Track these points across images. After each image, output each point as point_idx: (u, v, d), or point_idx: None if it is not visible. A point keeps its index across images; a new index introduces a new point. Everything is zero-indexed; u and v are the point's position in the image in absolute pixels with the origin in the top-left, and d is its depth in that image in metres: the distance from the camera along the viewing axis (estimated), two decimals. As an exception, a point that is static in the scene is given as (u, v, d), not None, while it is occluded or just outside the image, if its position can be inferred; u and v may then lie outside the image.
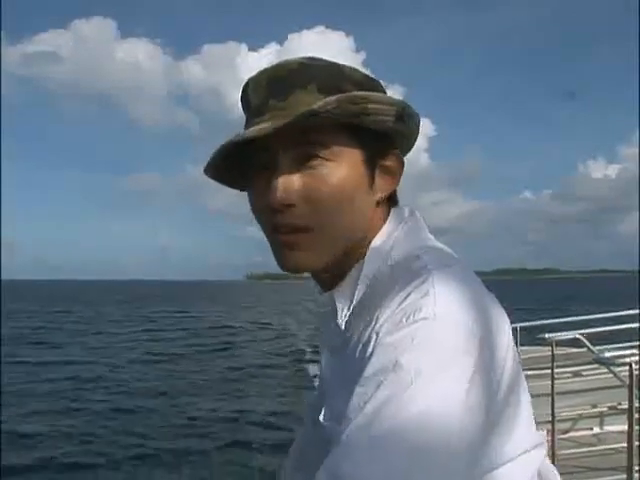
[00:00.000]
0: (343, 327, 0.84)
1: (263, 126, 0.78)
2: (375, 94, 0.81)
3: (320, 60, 0.85)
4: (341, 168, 0.81)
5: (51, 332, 32.56)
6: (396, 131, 0.85)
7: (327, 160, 0.80)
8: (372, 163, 0.84)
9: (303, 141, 0.80)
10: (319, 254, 0.83)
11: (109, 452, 10.25)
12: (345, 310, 0.84)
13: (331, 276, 0.88)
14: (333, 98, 0.77)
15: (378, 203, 0.87)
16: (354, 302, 0.84)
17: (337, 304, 0.85)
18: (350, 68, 0.86)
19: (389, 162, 0.86)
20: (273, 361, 21.59)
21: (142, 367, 20.48)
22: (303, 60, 0.84)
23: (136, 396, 15.13)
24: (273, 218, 0.82)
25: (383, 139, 0.85)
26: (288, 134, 0.79)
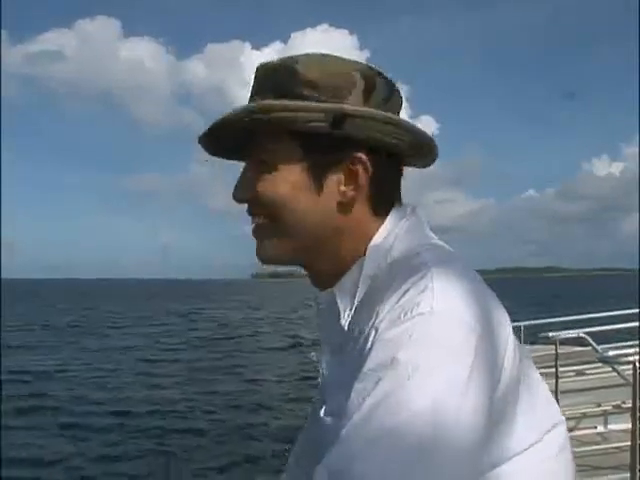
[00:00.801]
0: (346, 328, 0.84)
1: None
2: (290, 103, 0.81)
3: (288, 60, 0.86)
4: (278, 174, 0.85)
5: (103, 324, 37.37)
6: (345, 136, 0.83)
7: (270, 165, 0.85)
8: (318, 168, 0.85)
9: (254, 145, 0.86)
10: (279, 246, 0.88)
11: (211, 403, 14.55)
12: (348, 311, 0.84)
13: (323, 277, 0.90)
14: (241, 108, 0.83)
15: (344, 205, 0.86)
16: (356, 302, 0.84)
17: (339, 303, 0.86)
18: (312, 65, 0.85)
19: (351, 166, 0.85)
20: (293, 343, 26.83)
21: (195, 349, 25.55)
22: (272, 62, 0.88)
23: (201, 369, 19.88)
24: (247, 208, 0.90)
25: (335, 144, 0.84)
26: (249, 139, 0.86)
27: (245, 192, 0.87)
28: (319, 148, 0.84)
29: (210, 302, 70.25)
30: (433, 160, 0.96)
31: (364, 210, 0.87)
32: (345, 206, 0.86)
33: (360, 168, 0.85)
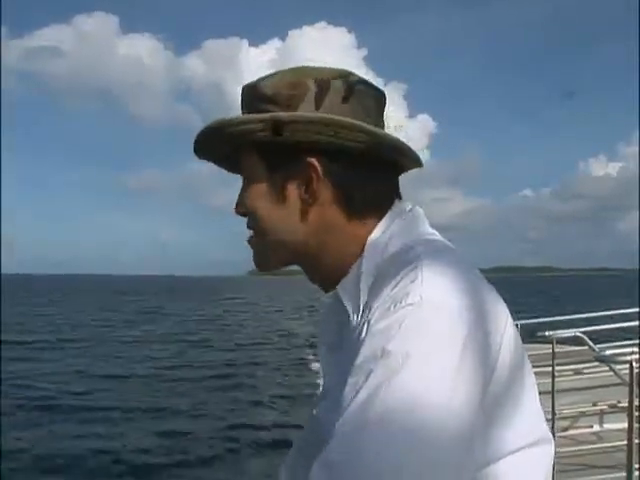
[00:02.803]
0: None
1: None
2: (231, 118, 0.88)
3: (256, 79, 0.91)
4: (250, 187, 0.92)
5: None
6: (288, 142, 0.86)
7: (246, 180, 0.93)
8: (278, 177, 0.89)
9: (239, 162, 0.93)
10: (268, 257, 0.94)
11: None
12: (355, 313, 0.84)
13: (322, 277, 0.93)
14: (204, 128, 0.89)
15: (308, 210, 0.88)
16: (362, 303, 0.83)
17: (346, 305, 0.86)
18: (268, 82, 0.89)
19: (302, 170, 0.87)
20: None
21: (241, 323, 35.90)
22: (250, 82, 0.92)
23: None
24: None
25: (288, 151, 0.87)
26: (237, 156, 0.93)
27: (239, 206, 0.94)
28: (276, 159, 0.88)
29: (231, 294, 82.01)
30: (416, 161, 0.95)
31: (339, 214, 0.88)
32: (312, 214, 0.88)
33: (312, 173, 0.87)
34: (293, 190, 0.88)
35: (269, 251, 0.92)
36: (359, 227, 0.88)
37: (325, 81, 0.88)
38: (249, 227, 0.94)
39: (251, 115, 0.87)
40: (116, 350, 23.21)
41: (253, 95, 0.89)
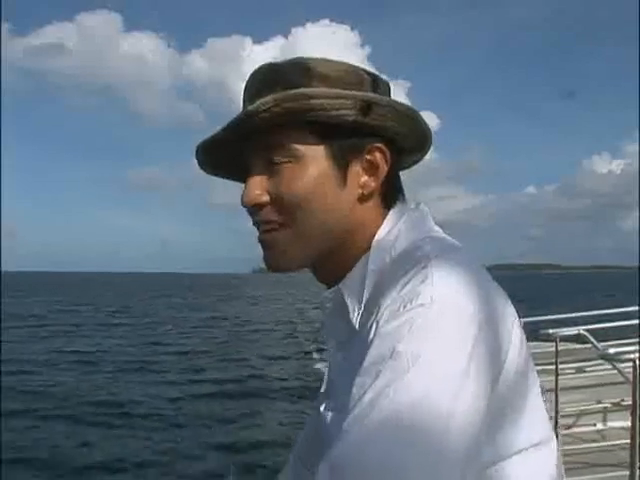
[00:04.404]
0: (357, 327, 0.82)
1: (217, 134, 0.85)
2: (319, 90, 0.80)
3: (293, 59, 0.85)
4: (303, 169, 0.82)
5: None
6: (369, 125, 0.82)
7: (289, 162, 0.82)
8: (342, 159, 0.83)
9: (267, 144, 0.83)
10: (295, 253, 0.85)
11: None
12: (357, 310, 0.83)
13: (329, 273, 0.89)
14: (269, 98, 0.79)
15: (364, 197, 0.85)
16: (364, 300, 0.82)
17: (347, 301, 0.84)
18: (322, 63, 0.84)
19: (370, 157, 0.85)
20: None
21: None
22: (275, 61, 0.86)
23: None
24: (252, 217, 0.87)
25: (356, 134, 0.83)
26: (254, 138, 0.83)
27: (262, 194, 0.84)
28: (340, 138, 0.83)
29: (249, 291, 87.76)
30: (422, 157, 0.96)
31: (378, 204, 0.87)
32: (365, 199, 0.85)
33: (380, 158, 0.84)
34: (354, 173, 0.84)
35: (300, 243, 0.84)
36: (381, 221, 0.87)
37: (374, 74, 0.87)
38: (271, 218, 0.84)
39: (343, 91, 0.81)
40: (194, 325, 32.46)
41: (305, 73, 0.82)
